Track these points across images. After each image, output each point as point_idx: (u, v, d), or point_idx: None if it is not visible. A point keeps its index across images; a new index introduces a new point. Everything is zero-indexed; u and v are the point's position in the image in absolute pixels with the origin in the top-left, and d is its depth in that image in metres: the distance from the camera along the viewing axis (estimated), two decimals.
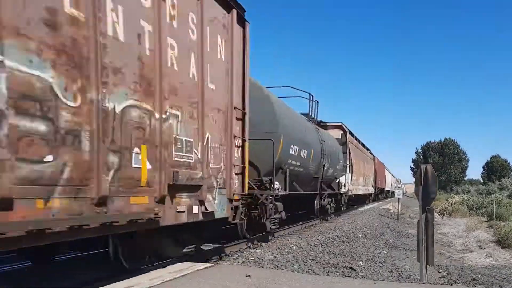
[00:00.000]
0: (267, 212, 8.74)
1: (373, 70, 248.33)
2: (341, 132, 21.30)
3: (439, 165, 79.80)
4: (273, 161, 8.95)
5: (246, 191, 6.86)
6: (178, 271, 5.34)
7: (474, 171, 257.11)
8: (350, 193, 20.88)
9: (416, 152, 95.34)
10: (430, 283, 6.63)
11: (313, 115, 15.71)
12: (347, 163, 20.22)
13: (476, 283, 8.23)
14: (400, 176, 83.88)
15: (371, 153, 34.10)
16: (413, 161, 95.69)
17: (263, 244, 9.37)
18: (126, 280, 4.77)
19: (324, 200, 15.22)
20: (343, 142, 20.43)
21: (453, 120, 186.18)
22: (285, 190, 9.93)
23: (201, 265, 5.87)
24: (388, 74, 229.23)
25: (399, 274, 7.91)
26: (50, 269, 5.74)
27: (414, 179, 6.99)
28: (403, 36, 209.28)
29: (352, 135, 23.75)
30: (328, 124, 20.55)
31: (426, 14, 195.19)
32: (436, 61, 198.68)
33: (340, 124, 21.51)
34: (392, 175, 61.05)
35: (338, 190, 17.87)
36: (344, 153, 19.77)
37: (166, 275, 5.10)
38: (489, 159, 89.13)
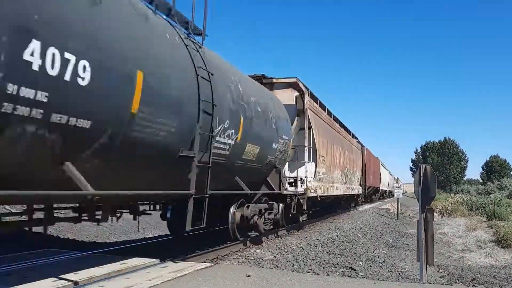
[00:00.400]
0: None
1: (372, 70, 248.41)
2: (295, 93, 12.47)
3: (438, 165, 79.87)
4: None
5: None
6: (178, 271, 5.34)
7: (474, 171, 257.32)
8: (312, 194, 12.35)
9: (416, 152, 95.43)
10: (430, 283, 6.64)
11: (187, 18, 6.33)
12: (306, 144, 12.22)
13: (475, 283, 8.23)
14: (399, 176, 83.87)
15: (358, 141, 25.77)
16: (412, 161, 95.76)
17: (263, 244, 9.36)
18: (127, 279, 4.77)
19: (247, 209, 8.11)
20: (298, 110, 12.45)
21: (452, 120, 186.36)
22: None
23: (201, 265, 5.87)
24: (388, 74, 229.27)
25: (399, 274, 7.92)
26: None
27: (413, 179, 7.00)
28: (403, 35, 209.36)
29: (319, 102, 14.81)
30: (274, 81, 12.23)
31: (426, 14, 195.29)
32: (435, 61, 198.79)
33: (293, 80, 12.43)
34: (389, 172, 53.31)
35: (280, 188, 9.72)
36: (302, 129, 12.28)
37: (166, 275, 5.10)
38: (488, 159, 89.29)
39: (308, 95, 12.88)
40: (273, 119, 8.93)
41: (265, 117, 8.48)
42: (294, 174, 11.43)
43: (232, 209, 7.88)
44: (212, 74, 6.25)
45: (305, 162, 12.15)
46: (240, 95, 7.33)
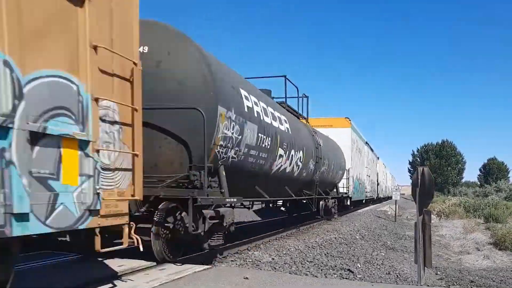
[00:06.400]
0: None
1: (370, 72, 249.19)
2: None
3: (436, 167, 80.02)
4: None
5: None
6: (176, 273, 5.33)
7: (471, 173, 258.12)
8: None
9: (413, 154, 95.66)
10: (428, 285, 6.64)
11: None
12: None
13: (473, 285, 8.24)
14: (397, 177, 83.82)
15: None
16: (410, 162, 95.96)
17: (261, 246, 9.36)
18: (125, 282, 4.76)
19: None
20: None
21: (451, 123, 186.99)
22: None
23: (199, 267, 5.86)
24: (386, 77, 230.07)
25: (397, 276, 7.92)
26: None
27: (411, 181, 7.02)
28: (401, 37, 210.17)
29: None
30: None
31: (427, 15, 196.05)
32: (434, 64, 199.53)
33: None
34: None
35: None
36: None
37: (164, 277, 5.10)
38: (486, 161, 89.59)
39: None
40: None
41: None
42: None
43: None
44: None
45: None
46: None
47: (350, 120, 21.94)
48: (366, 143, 30.41)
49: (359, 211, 26.30)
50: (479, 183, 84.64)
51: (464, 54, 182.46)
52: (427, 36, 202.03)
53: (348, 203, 21.33)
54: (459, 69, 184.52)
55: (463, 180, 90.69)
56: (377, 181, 39.74)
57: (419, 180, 6.53)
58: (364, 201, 29.61)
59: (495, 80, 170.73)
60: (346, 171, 19.23)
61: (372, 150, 35.43)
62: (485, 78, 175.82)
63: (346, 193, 20.03)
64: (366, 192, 29.28)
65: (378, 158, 42.17)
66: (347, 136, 21.45)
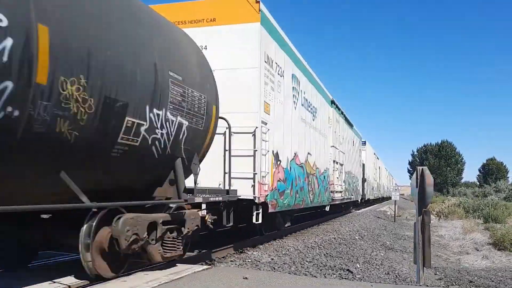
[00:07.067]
0: None
1: (370, 74, 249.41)
2: None
3: (435, 168, 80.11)
4: None
5: None
6: (175, 273, 5.33)
7: (470, 174, 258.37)
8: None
9: (412, 154, 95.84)
10: (427, 286, 6.65)
11: None
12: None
13: (472, 285, 8.24)
14: (397, 178, 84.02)
15: None
16: (410, 163, 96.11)
17: (260, 246, 9.38)
18: (124, 282, 4.76)
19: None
20: None
21: (450, 123, 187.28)
22: None
23: (198, 267, 5.86)
24: (386, 77, 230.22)
25: (396, 276, 7.92)
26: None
27: (410, 181, 7.02)
28: (400, 37, 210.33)
29: None
30: None
31: (428, 16, 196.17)
32: (434, 64, 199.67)
33: None
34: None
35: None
36: None
37: (163, 277, 5.09)
38: (485, 161, 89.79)
39: None
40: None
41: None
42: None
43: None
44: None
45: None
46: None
47: (262, 4, 8.54)
48: (333, 102, 17.25)
49: (358, 211, 26.28)
50: (478, 183, 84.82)
51: (464, 54, 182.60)
52: (427, 36, 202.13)
53: (258, 219, 8.22)
54: (459, 69, 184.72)
55: (462, 181, 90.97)
56: (363, 176, 27.96)
57: (419, 181, 6.53)
58: (328, 208, 16.44)
59: (494, 80, 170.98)
60: (232, 133, 7.60)
61: (351, 125, 22.71)
62: (485, 78, 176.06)
63: (231, 191, 7.46)
64: (335, 191, 16.87)
65: (364, 142, 29.67)
66: (251, 43, 8.46)
